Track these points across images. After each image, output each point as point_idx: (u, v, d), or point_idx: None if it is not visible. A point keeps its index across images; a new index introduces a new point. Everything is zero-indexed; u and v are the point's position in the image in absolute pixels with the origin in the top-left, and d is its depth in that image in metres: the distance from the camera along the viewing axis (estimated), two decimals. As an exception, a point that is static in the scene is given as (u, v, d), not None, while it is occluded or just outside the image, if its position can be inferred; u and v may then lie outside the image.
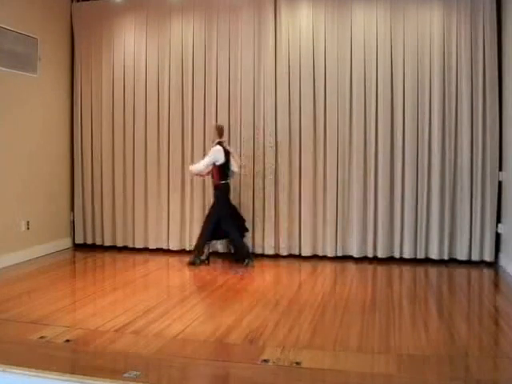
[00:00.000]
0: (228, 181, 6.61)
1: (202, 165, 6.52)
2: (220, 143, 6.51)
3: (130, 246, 7.57)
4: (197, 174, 6.70)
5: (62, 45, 7.58)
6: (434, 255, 6.69)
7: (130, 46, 7.50)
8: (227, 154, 6.52)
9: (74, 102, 7.75)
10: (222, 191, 6.56)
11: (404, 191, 6.76)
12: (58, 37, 7.47)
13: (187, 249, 7.35)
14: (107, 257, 7.33)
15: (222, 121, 7.17)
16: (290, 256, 7.05)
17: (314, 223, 6.99)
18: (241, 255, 6.59)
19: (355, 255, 6.87)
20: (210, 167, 6.51)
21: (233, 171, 6.66)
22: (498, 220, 6.53)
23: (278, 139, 7.04)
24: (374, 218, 6.82)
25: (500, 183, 6.53)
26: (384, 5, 6.73)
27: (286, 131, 7.01)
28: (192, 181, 7.30)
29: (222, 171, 6.50)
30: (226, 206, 6.61)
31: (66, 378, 3.15)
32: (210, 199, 7.25)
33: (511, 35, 6.13)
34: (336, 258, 6.90)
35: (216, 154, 6.43)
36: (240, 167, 6.79)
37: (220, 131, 6.58)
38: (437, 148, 6.64)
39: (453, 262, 6.66)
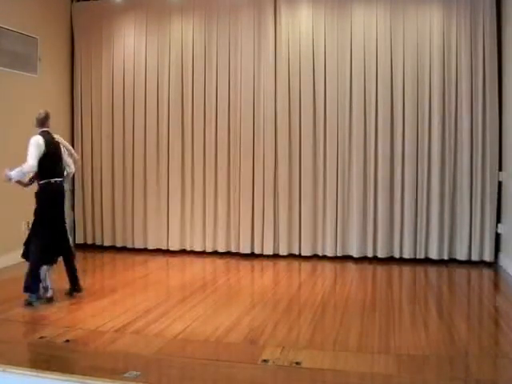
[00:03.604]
0: (54, 179, 4.94)
1: (24, 167, 4.84)
2: (43, 132, 4.98)
3: (130, 246, 7.56)
4: (17, 182, 4.98)
5: (62, 45, 7.58)
6: (433, 255, 6.69)
7: (130, 46, 7.49)
8: (52, 144, 4.98)
9: (74, 102, 7.75)
10: (39, 194, 4.95)
11: (404, 191, 6.76)
12: (57, 37, 7.47)
13: (187, 249, 7.35)
14: (107, 257, 7.34)
15: (222, 120, 7.17)
16: (290, 256, 7.05)
17: (314, 223, 6.99)
18: (26, 283, 4.80)
19: (355, 255, 6.87)
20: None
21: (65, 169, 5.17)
22: (498, 220, 6.53)
23: (278, 139, 7.04)
24: (373, 218, 6.82)
25: (500, 183, 6.53)
26: (384, 5, 6.74)
27: (286, 131, 7.01)
28: (192, 181, 7.31)
29: (41, 168, 4.88)
30: (44, 213, 4.92)
31: (66, 377, 3.15)
32: (210, 199, 7.26)
33: (511, 35, 6.13)
34: (336, 258, 6.90)
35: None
36: (75, 163, 5.36)
37: (41, 121, 5.01)
38: (437, 148, 6.64)
39: (453, 262, 6.65)
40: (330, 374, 3.40)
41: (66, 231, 5.15)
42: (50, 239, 4.89)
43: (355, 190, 6.85)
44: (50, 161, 4.92)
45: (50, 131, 5.03)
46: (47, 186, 4.90)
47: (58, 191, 5.00)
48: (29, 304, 4.73)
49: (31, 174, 4.94)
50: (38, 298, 4.82)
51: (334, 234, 6.94)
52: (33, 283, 4.79)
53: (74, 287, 5.09)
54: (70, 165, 5.19)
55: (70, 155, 5.20)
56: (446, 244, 6.67)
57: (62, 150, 5.09)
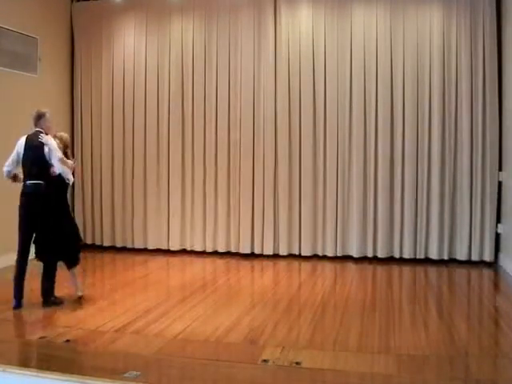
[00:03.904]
0: (28, 182, 4.75)
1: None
2: (33, 132, 4.84)
3: (129, 246, 7.56)
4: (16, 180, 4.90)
5: (62, 45, 7.58)
6: (433, 255, 6.69)
7: (130, 46, 7.49)
8: (32, 146, 4.77)
9: (74, 102, 7.75)
10: (20, 196, 4.83)
11: (404, 191, 6.75)
12: (57, 37, 7.47)
13: (188, 249, 7.35)
14: (106, 257, 7.33)
15: (222, 120, 7.17)
16: (290, 256, 7.05)
17: (314, 223, 6.99)
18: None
19: (355, 255, 6.87)
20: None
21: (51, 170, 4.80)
22: (498, 220, 6.53)
23: (278, 139, 7.04)
24: (373, 218, 6.82)
25: (500, 183, 6.53)
26: (384, 5, 6.74)
27: (286, 131, 7.01)
28: (192, 181, 7.31)
29: (23, 170, 4.83)
30: (21, 218, 4.83)
31: (66, 377, 3.15)
32: (210, 198, 7.26)
33: (511, 35, 6.13)
34: (336, 258, 6.90)
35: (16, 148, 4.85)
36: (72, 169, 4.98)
37: (33, 120, 4.87)
38: (437, 148, 6.64)
39: (452, 262, 6.65)
40: (330, 374, 3.40)
41: (49, 237, 4.81)
42: (22, 242, 4.81)
43: (355, 190, 6.85)
44: (27, 162, 4.75)
45: (43, 131, 4.81)
46: (23, 189, 4.78)
47: (35, 194, 4.72)
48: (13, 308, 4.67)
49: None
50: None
51: (334, 234, 6.94)
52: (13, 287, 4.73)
53: (44, 299, 4.80)
54: (60, 168, 4.78)
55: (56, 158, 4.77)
56: (446, 244, 6.67)
57: (46, 151, 4.73)
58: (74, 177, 5.09)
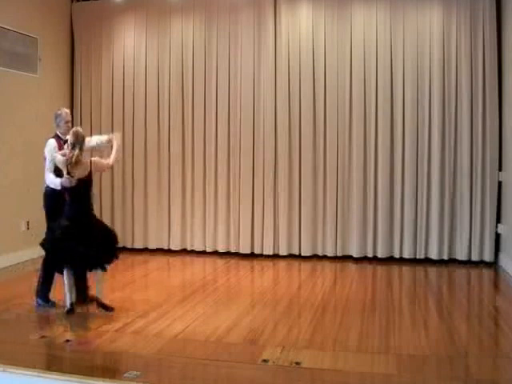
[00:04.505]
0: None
1: None
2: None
3: (129, 246, 7.55)
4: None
5: (62, 45, 7.57)
6: (433, 255, 6.69)
7: (130, 46, 7.49)
8: None
9: (74, 102, 7.74)
10: None
11: (404, 191, 6.76)
12: (57, 37, 7.47)
13: (188, 248, 7.36)
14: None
15: (222, 120, 7.17)
16: (290, 256, 7.05)
17: (314, 223, 6.99)
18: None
19: (355, 255, 6.87)
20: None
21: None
22: (498, 220, 6.53)
23: (278, 139, 7.04)
24: (373, 217, 6.82)
25: (500, 183, 6.53)
26: (384, 5, 6.74)
27: (286, 131, 7.01)
28: (192, 181, 7.31)
29: None
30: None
31: (66, 378, 3.15)
32: (210, 198, 7.26)
33: (511, 35, 6.13)
34: (336, 258, 6.90)
35: None
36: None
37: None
38: (437, 148, 6.64)
39: (452, 262, 6.65)
40: (330, 374, 3.40)
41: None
42: None
43: (355, 190, 6.85)
44: None
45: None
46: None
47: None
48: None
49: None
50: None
51: (334, 234, 6.94)
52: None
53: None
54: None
55: None
56: (445, 244, 6.67)
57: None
58: (70, 178, 4.49)
